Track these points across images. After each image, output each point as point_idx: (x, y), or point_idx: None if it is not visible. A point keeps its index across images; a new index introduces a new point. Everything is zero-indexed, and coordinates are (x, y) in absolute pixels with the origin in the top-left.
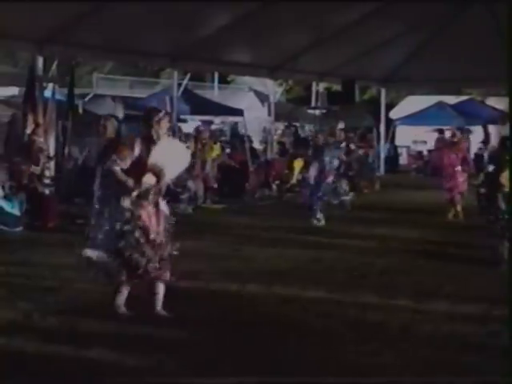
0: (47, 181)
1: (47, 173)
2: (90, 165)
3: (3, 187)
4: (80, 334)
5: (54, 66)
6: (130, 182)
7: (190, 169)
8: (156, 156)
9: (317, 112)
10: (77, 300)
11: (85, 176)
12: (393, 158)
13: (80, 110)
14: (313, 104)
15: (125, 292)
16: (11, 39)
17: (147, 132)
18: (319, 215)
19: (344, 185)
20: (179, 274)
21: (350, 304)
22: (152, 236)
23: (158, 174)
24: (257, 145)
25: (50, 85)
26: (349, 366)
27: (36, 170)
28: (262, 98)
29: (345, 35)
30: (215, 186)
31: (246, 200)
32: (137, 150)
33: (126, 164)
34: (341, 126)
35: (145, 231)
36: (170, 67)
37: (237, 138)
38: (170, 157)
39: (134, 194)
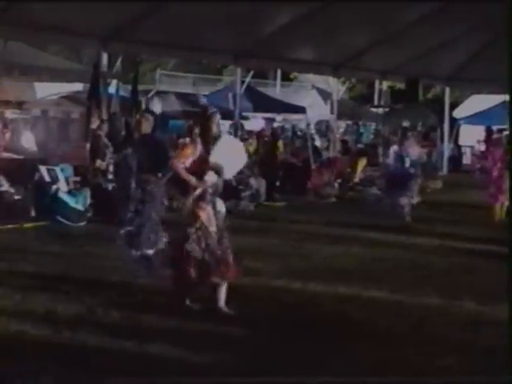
0: (111, 176)
1: (111, 168)
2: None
3: (68, 182)
4: (142, 329)
5: (119, 63)
6: (194, 181)
7: (252, 166)
8: (216, 154)
9: (380, 110)
10: (140, 295)
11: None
12: (456, 157)
13: (143, 107)
14: (376, 102)
15: (194, 291)
16: (76, 36)
17: (203, 130)
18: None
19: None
20: (240, 271)
21: (413, 304)
22: (212, 236)
23: (219, 172)
24: (319, 143)
25: (114, 81)
26: (411, 367)
27: (102, 165)
28: (325, 95)
29: (409, 33)
30: (277, 183)
31: (308, 198)
32: (198, 149)
33: (188, 162)
34: (405, 124)
35: (205, 231)
36: (233, 64)
37: (299, 136)
38: (229, 155)
39: (197, 192)
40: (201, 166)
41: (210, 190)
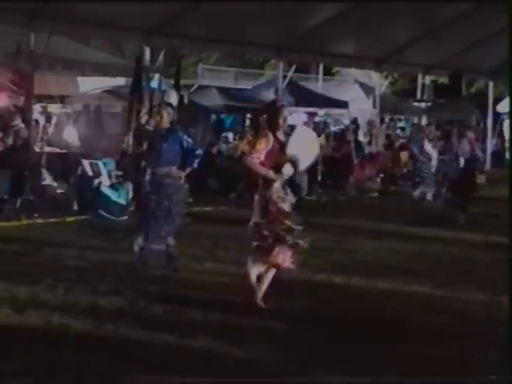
0: None
1: None
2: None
3: (110, 176)
4: (184, 323)
5: (161, 57)
6: (271, 174)
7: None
8: (293, 146)
9: (422, 105)
10: (181, 289)
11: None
12: (500, 152)
13: (185, 101)
14: (418, 97)
15: (263, 285)
16: (119, 30)
17: (272, 123)
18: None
19: None
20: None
21: (455, 299)
22: (282, 227)
23: (295, 164)
24: (361, 137)
25: (157, 75)
26: (454, 363)
27: None
28: (367, 90)
29: (452, 27)
30: (319, 178)
31: (350, 193)
32: (270, 142)
33: (263, 156)
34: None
35: (275, 223)
36: (276, 58)
37: (341, 131)
38: (304, 146)
39: (276, 185)
40: (277, 159)
41: (286, 182)
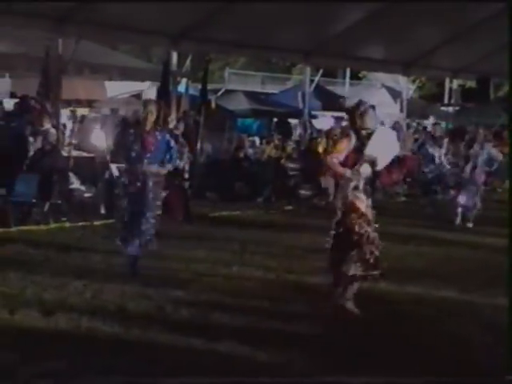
0: (186, 175)
1: (186, 167)
2: (221, 159)
3: None
4: (211, 327)
5: (188, 61)
6: (349, 173)
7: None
8: (372, 146)
9: (450, 109)
10: (207, 293)
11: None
12: None
13: (212, 105)
14: (446, 101)
15: (353, 287)
16: (147, 35)
17: (353, 124)
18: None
19: None
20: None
21: (483, 305)
22: (371, 228)
23: (373, 164)
24: None
25: (184, 80)
26: (483, 368)
27: (179, 164)
28: (394, 94)
29: (480, 31)
30: None
31: (377, 197)
32: (352, 142)
33: (342, 156)
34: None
35: (365, 220)
36: (303, 63)
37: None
38: (384, 146)
39: (353, 184)
40: (356, 159)
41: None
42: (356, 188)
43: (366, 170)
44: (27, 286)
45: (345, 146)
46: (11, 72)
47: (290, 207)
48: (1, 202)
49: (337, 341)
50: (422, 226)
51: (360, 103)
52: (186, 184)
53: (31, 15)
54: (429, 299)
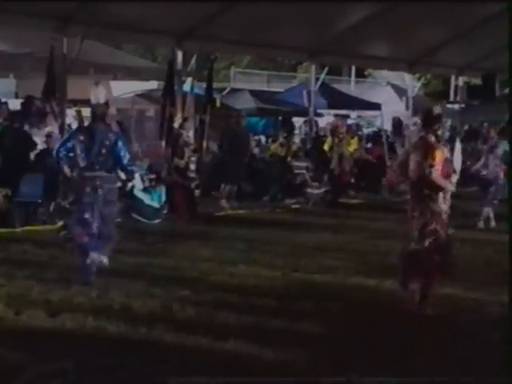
0: (192, 174)
1: (192, 166)
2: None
3: (143, 180)
4: (217, 325)
5: (193, 61)
6: (449, 186)
7: (327, 163)
8: (457, 157)
9: (456, 107)
10: (214, 292)
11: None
12: None
13: (218, 104)
14: (451, 98)
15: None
16: (152, 34)
17: (426, 134)
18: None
19: None
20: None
21: (489, 302)
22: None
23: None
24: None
25: (189, 79)
26: (491, 365)
27: (180, 163)
28: (400, 92)
29: (485, 28)
30: (352, 180)
31: (383, 195)
32: (446, 152)
33: (440, 167)
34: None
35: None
36: (308, 61)
37: (398, 135)
38: (459, 158)
39: (441, 195)
40: (447, 169)
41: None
42: (442, 199)
43: (455, 180)
44: (33, 285)
45: (440, 157)
46: (16, 72)
47: (297, 205)
48: (6, 203)
49: (341, 339)
50: None
51: (437, 115)
52: (192, 183)
53: (36, 15)
54: (435, 296)
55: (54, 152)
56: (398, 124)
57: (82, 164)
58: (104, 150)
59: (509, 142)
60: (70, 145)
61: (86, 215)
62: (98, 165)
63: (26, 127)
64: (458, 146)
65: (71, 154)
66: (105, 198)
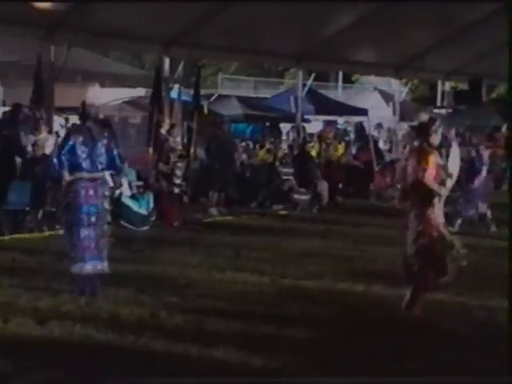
0: (178, 181)
1: (178, 172)
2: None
3: (131, 187)
4: (205, 332)
5: (180, 67)
6: (443, 191)
7: (314, 169)
8: (453, 162)
9: (443, 112)
10: (202, 299)
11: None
12: None
13: (205, 111)
14: (438, 103)
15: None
16: (139, 41)
17: (422, 140)
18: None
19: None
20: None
21: (477, 307)
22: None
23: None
24: (382, 145)
25: (176, 86)
26: (478, 369)
27: (165, 169)
28: (387, 97)
29: (472, 33)
30: (340, 186)
31: (371, 201)
32: (438, 157)
33: (432, 171)
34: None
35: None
36: (296, 67)
37: (361, 138)
38: (456, 163)
39: (436, 200)
40: (440, 174)
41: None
42: (438, 204)
43: (449, 185)
44: (21, 293)
45: (433, 160)
46: (2, 80)
47: (284, 211)
48: None
49: (329, 344)
50: None
51: (434, 120)
52: (179, 189)
53: (23, 23)
54: (422, 302)
55: (54, 157)
56: (360, 128)
57: (85, 165)
58: (103, 150)
59: (507, 144)
60: (70, 147)
61: (91, 219)
62: (99, 165)
63: (15, 135)
64: (456, 150)
65: (73, 158)
66: (104, 198)
